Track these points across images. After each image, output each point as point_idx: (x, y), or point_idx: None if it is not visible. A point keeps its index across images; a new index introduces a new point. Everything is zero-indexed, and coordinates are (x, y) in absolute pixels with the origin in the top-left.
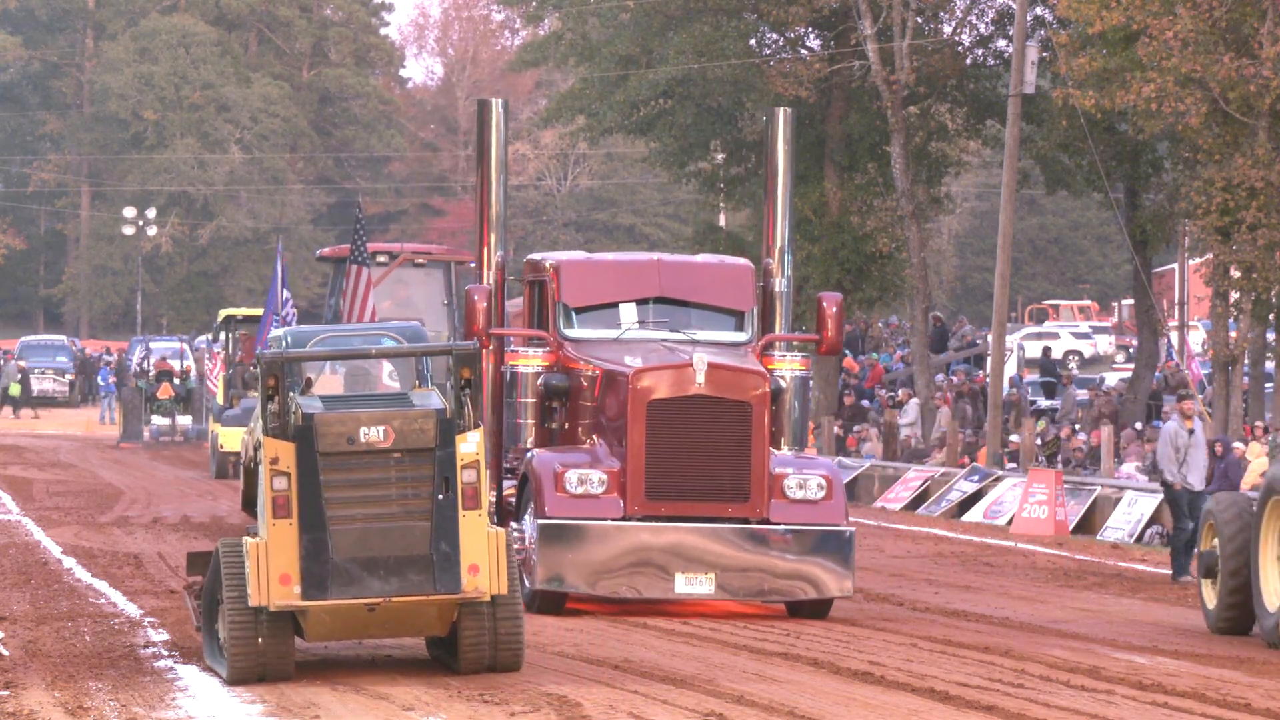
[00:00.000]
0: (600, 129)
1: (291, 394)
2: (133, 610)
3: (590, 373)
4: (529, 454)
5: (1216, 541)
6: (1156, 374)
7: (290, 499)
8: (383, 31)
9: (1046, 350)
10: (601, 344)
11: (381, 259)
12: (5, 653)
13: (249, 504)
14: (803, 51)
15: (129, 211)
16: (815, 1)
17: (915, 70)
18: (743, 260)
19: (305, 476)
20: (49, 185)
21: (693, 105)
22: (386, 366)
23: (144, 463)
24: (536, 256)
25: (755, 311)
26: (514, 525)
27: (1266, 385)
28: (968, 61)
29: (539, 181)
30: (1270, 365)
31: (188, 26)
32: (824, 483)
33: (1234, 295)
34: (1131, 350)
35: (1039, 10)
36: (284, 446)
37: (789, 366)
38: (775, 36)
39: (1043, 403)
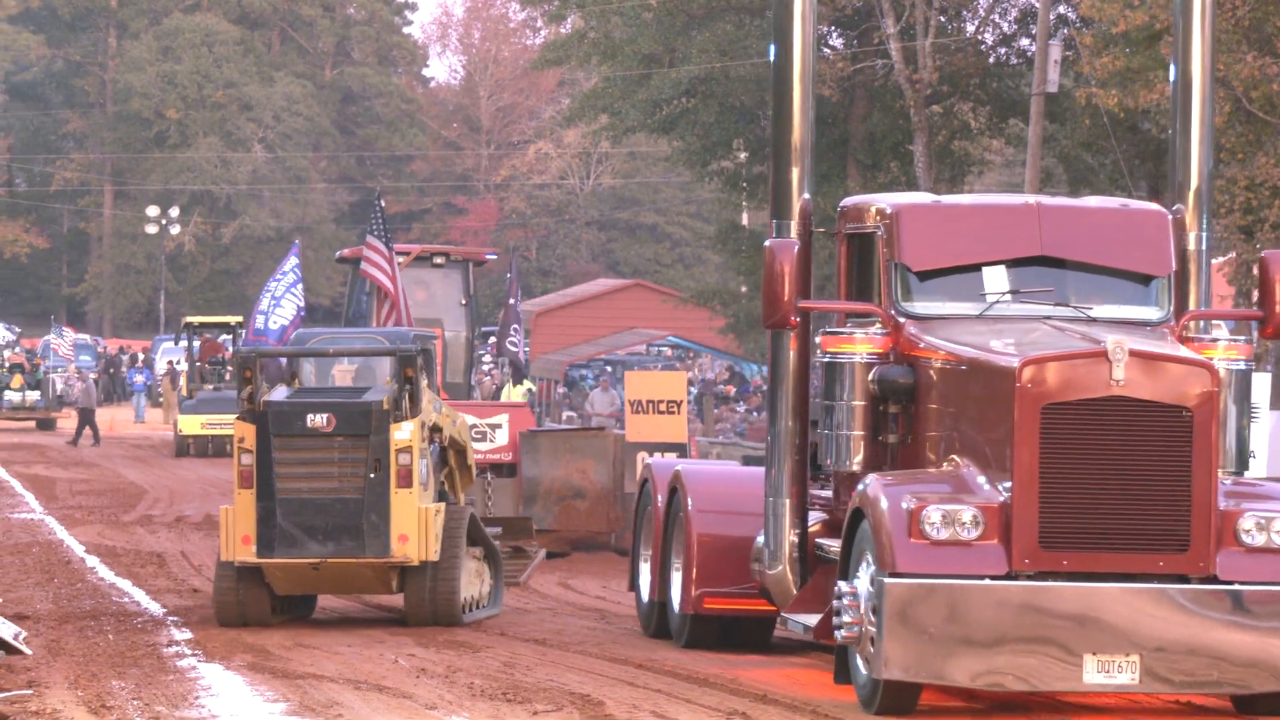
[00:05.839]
0: (623, 128)
1: (264, 385)
2: (156, 609)
3: (948, 364)
4: (863, 484)
5: None
6: None
7: (252, 473)
8: (405, 30)
9: None
10: (961, 323)
11: (399, 259)
12: (29, 651)
13: None
14: (826, 50)
15: (152, 210)
16: (838, 0)
17: (938, 69)
18: (1154, 205)
19: (263, 454)
20: (72, 184)
21: (715, 104)
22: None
23: (166, 461)
24: (859, 200)
25: (1173, 278)
26: (841, 585)
27: None
28: (990, 60)
29: (562, 180)
30: None
31: (210, 25)
32: None
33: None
34: None
35: (1062, 9)
36: (249, 429)
37: (1223, 356)
38: None
39: None
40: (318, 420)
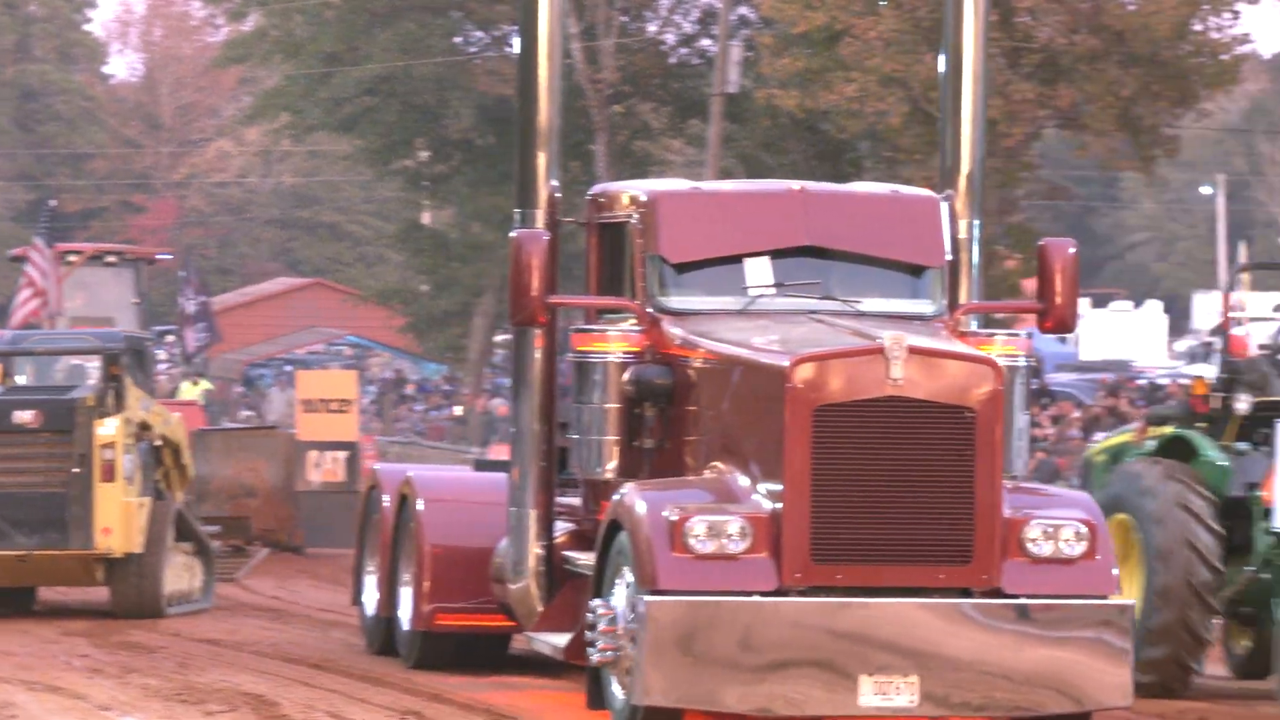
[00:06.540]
0: (304, 126)
1: None
2: None
3: (709, 363)
4: (620, 492)
5: None
6: None
7: None
8: (86, 28)
9: None
10: (721, 318)
11: (72, 258)
12: None
13: None
14: (508, 49)
15: None
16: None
17: (620, 69)
18: (925, 191)
19: None
20: None
21: (397, 103)
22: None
23: None
24: (611, 187)
25: (946, 268)
26: (594, 603)
27: None
28: (672, 61)
29: (242, 178)
30: None
31: None
32: (1083, 530)
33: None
34: None
35: (743, 10)
36: None
37: (1000, 352)
38: (481, 34)
39: None
40: (24, 416)
